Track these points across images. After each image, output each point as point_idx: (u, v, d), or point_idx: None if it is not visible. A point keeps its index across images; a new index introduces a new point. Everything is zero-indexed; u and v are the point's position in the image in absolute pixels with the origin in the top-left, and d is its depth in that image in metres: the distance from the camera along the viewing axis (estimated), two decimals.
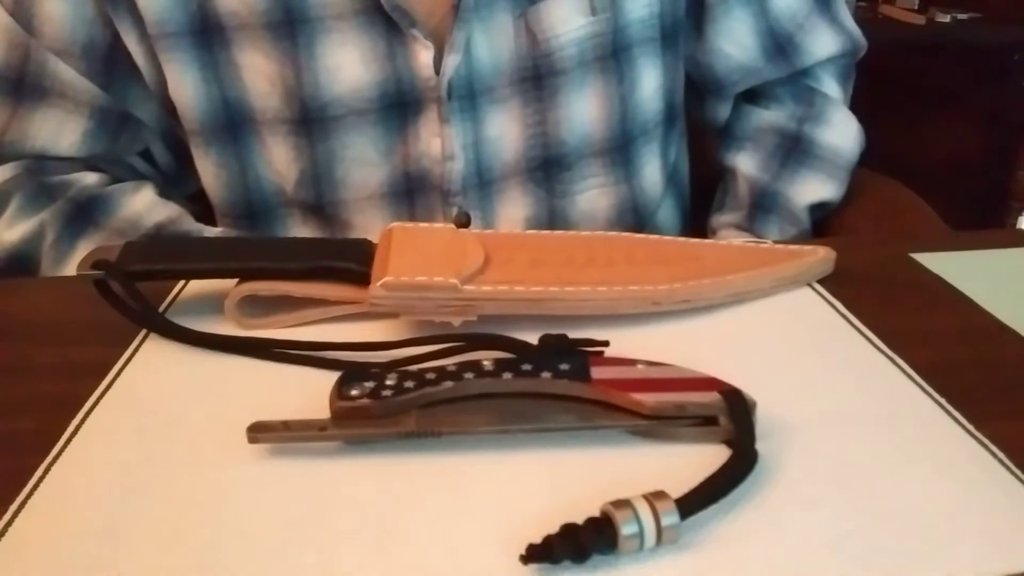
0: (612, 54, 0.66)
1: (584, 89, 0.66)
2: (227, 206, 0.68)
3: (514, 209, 0.69)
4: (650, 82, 0.69)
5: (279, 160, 0.65)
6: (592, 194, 0.69)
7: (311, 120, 0.63)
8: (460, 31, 0.61)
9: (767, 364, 0.42)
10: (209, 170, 0.67)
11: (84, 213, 0.64)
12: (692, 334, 0.45)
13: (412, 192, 0.67)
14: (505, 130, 0.66)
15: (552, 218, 0.69)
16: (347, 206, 0.67)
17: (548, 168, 0.68)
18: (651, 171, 0.72)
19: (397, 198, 0.67)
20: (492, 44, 0.63)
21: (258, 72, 0.62)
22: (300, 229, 0.69)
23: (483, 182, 0.67)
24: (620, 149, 0.69)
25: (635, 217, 0.72)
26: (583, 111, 0.67)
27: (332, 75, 0.62)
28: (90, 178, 0.66)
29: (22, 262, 0.64)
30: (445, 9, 0.61)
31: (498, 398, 0.37)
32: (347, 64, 0.62)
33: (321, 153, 0.64)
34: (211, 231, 0.66)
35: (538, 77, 0.65)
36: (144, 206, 0.65)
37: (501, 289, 0.44)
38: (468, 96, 0.64)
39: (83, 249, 0.63)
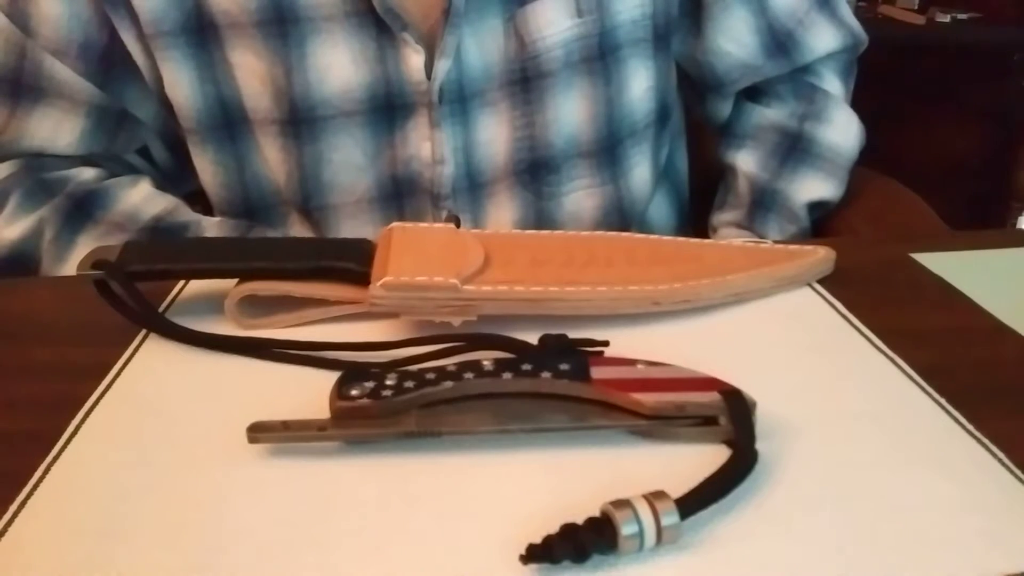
0: (599, 56, 0.66)
1: (571, 91, 0.66)
2: (225, 204, 0.68)
3: (503, 212, 0.68)
4: (640, 83, 0.69)
5: (272, 160, 0.65)
6: (578, 195, 0.69)
7: (300, 121, 0.63)
8: (451, 36, 0.61)
9: (767, 364, 0.42)
10: (207, 168, 0.67)
11: (82, 208, 0.64)
12: (692, 334, 0.45)
13: (401, 196, 0.67)
14: (494, 134, 0.66)
15: (539, 220, 0.69)
16: (335, 211, 0.66)
17: (535, 170, 0.68)
18: (640, 172, 0.72)
19: (386, 202, 0.67)
20: (482, 48, 0.63)
21: (250, 71, 0.62)
22: (298, 229, 0.69)
23: (473, 185, 0.67)
24: (607, 150, 0.69)
25: (621, 217, 0.72)
26: (570, 113, 0.66)
27: (321, 75, 0.62)
28: (87, 173, 0.66)
29: (22, 259, 0.64)
30: (437, 13, 0.61)
31: (498, 398, 0.37)
32: (337, 65, 0.62)
33: (308, 156, 0.64)
34: (209, 221, 0.66)
35: (525, 80, 0.65)
36: (141, 198, 0.65)
37: (501, 289, 0.44)
38: (459, 100, 0.64)
39: (83, 244, 0.63)
